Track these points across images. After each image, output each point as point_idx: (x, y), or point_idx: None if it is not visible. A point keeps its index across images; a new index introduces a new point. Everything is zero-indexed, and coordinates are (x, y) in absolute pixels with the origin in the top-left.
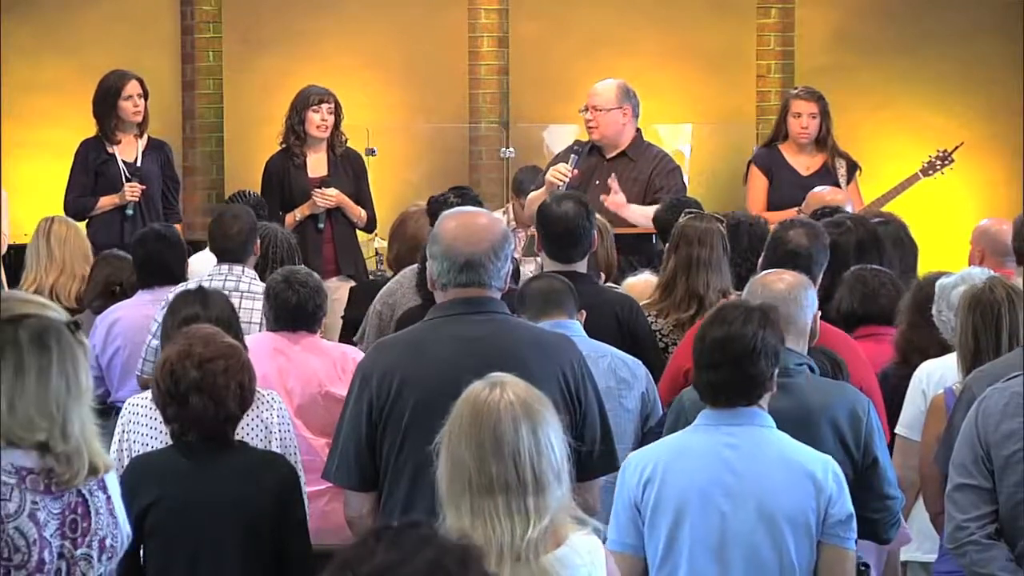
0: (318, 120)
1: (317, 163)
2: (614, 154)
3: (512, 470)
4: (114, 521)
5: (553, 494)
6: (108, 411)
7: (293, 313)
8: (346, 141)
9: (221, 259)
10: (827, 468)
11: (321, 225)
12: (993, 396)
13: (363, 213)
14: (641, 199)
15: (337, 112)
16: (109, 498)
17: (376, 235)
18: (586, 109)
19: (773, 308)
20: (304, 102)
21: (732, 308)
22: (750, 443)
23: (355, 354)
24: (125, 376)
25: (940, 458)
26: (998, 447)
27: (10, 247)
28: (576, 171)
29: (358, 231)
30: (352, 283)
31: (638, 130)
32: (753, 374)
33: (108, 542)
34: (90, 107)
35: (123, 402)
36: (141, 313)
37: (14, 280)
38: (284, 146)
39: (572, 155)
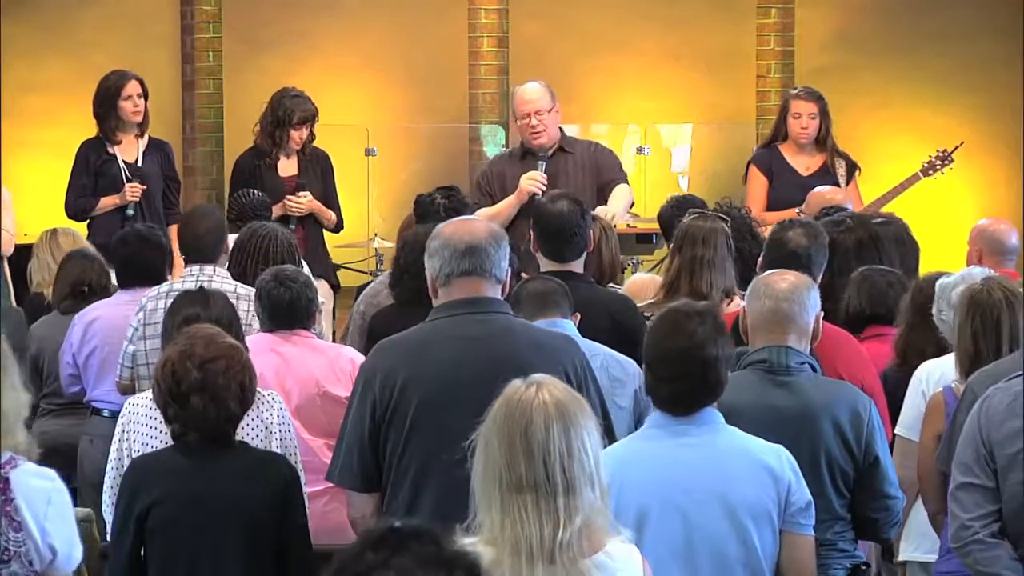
0: (299, 137)
1: (288, 163)
2: (551, 152)
3: (541, 470)
4: (14, 525)
5: (584, 497)
6: (84, 409)
7: (288, 310)
8: (313, 140)
9: (191, 260)
10: (781, 457)
11: (292, 226)
12: (996, 395)
13: (332, 216)
14: (593, 184)
15: (315, 119)
16: (8, 500)
17: (376, 235)
18: (526, 116)
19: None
20: (289, 118)
21: (684, 316)
22: (703, 441)
23: (351, 354)
24: (101, 375)
25: (942, 459)
26: (1001, 446)
27: (14, 247)
28: (546, 177)
29: (326, 232)
30: (323, 282)
31: (559, 126)
32: (715, 381)
33: None
34: (90, 107)
35: (99, 400)
36: (119, 313)
37: (19, 280)
38: (255, 146)
39: (540, 162)
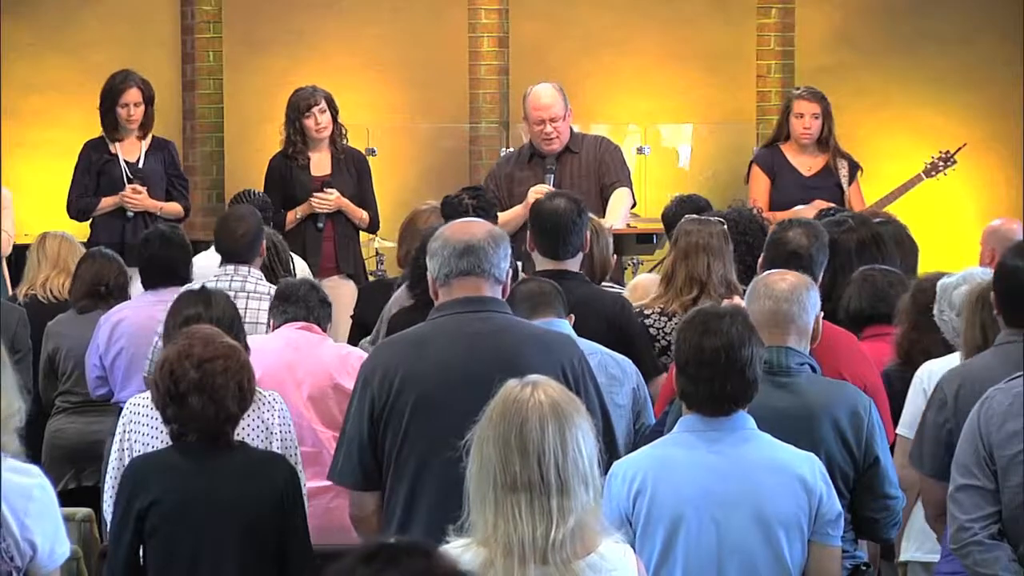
0: (314, 125)
1: (320, 161)
2: (557, 153)
3: (536, 469)
4: None
5: (578, 497)
6: (102, 406)
7: (304, 299)
8: (346, 133)
9: (227, 260)
10: (814, 468)
11: (321, 224)
12: (996, 396)
13: (364, 215)
14: (596, 186)
15: (331, 106)
16: None
17: (376, 235)
18: (541, 123)
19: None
20: (296, 111)
21: (713, 316)
22: (736, 449)
23: (359, 353)
24: (128, 377)
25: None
26: (1001, 448)
27: (13, 247)
28: (553, 188)
29: (360, 230)
30: (351, 282)
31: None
32: (752, 380)
33: None
34: (90, 107)
35: (125, 402)
36: (145, 314)
37: (18, 280)
38: (289, 152)
39: (548, 174)
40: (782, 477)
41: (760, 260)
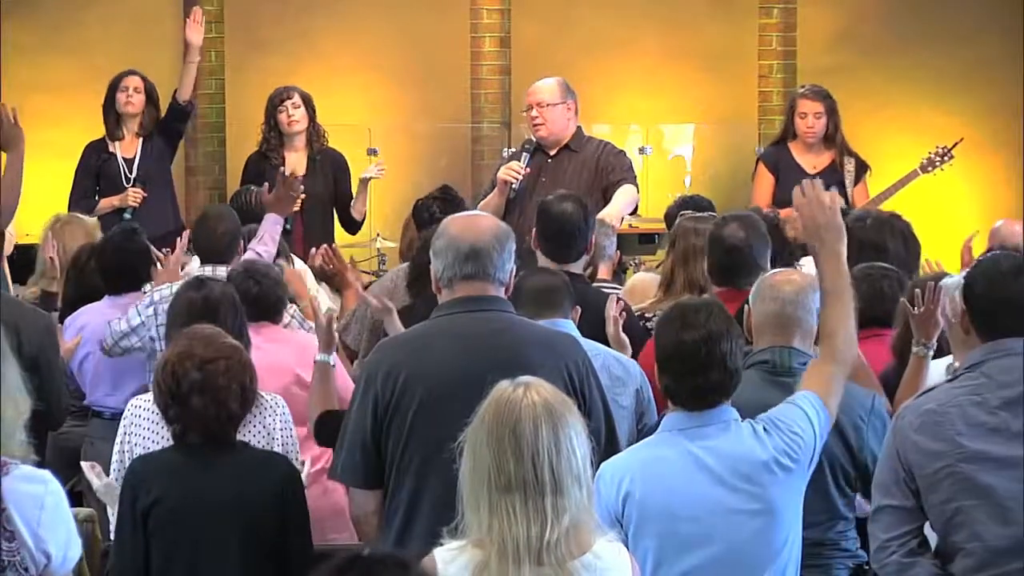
0: (286, 119)
1: (295, 162)
2: (557, 150)
3: (530, 469)
4: (7, 535)
5: (572, 496)
6: (84, 412)
7: (255, 303)
8: (325, 134)
9: (205, 260)
10: (779, 450)
11: (288, 226)
12: (906, 415)
13: (363, 209)
14: (590, 184)
15: (306, 104)
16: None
17: (378, 235)
18: (529, 107)
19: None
20: (270, 106)
21: (691, 310)
22: (720, 442)
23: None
24: (97, 380)
25: None
26: (920, 467)
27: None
28: (528, 168)
29: (337, 234)
30: (324, 286)
31: (578, 126)
32: (734, 370)
33: None
34: (92, 107)
35: (97, 405)
36: (108, 318)
37: (18, 280)
38: (263, 149)
39: (524, 152)
40: (766, 466)
41: (706, 264)
